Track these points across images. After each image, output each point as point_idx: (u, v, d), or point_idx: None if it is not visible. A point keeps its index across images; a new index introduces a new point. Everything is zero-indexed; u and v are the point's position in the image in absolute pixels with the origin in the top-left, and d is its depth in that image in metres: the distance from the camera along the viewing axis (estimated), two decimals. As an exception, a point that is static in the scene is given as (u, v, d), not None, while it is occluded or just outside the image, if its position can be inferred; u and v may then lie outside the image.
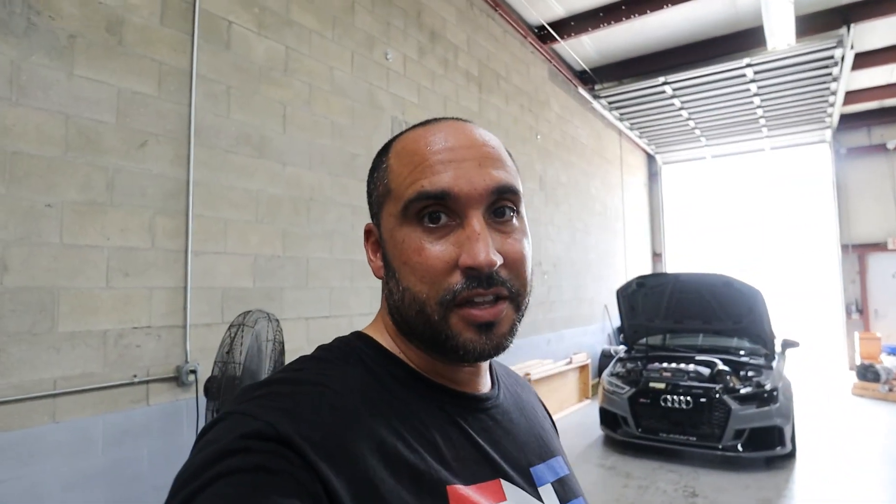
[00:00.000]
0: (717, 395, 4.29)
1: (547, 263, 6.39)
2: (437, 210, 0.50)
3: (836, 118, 8.33)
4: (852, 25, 5.59)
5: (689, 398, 4.37)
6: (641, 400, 4.59)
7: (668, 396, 4.45)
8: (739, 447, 4.17)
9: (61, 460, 2.16)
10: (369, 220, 0.59)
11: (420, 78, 4.41)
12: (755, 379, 4.47)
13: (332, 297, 3.46)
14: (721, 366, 4.66)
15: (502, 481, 0.51)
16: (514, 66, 5.95)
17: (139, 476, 2.41)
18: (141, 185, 2.48)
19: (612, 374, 5.10)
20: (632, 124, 8.90)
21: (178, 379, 2.59)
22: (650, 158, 11.02)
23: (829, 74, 6.68)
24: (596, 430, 5.19)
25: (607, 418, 4.86)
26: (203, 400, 2.22)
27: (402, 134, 0.57)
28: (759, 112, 8.21)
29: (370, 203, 0.58)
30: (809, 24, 5.74)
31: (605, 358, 7.18)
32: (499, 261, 0.49)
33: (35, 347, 2.11)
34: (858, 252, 9.00)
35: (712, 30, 6.34)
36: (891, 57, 6.61)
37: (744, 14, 5.98)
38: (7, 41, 2.08)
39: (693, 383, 4.49)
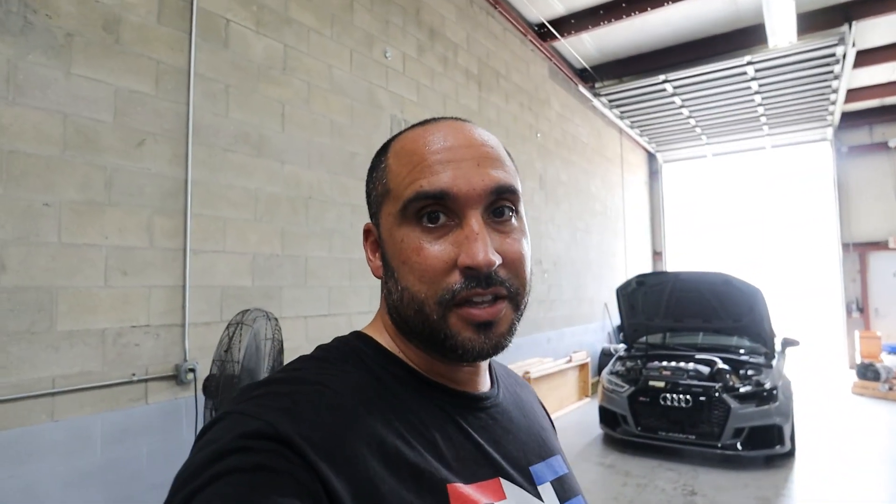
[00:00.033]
0: (717, 394, 4.29)
1: (547, 262, 6.39)
2: (436, 210, 0.50)
3: (837, 116, 8.33)
4: (854, 23, 5.58)
5: (688, 397, 4.37)
6: (641, 398, 4.60)
7: (668, 395, 4.46)
8: (739, 446, 4.17)
9: (60, 459, 2.17)
10: (368, 220, 0.59)
11: (419, 76, 4.40)
12: (755, 378, 4.46)
13: (331, 296, 3.46)
14: (721, 364, 4.66)
15: (502, 480, 0.51)
16: (513, 64, 5.93)
17: (138, 474, 2.41)
18: (139, 184, 2.47)
19: (611, 373, 5.10)
20: (632, 122, 8.89)
21: (176, 377, 2.59)
22: (651, 157, 11.02)
23: (831, 72, 6.68)
24: (595, 429, 5.20)
25: (607, 417, 4.86)
26: (202, 398, 2.22)
27: (400, 133, 0.57)
28: (760, 110, 8.20)
29: (369, 203, 0.58)
30: (811, 22, 5.73)
31: (605, 356, 7.19)
32: (497, 260, 0.49)
33: (34, 346, 2.11)
34: (859, 251, 9.00)
35: (713, 27, 6.33)
36: (892, 55, 6.59)
37: (745, 12, 5.96)
38: (4, 40, 2.07)
39: (692, 382, 4.48)
